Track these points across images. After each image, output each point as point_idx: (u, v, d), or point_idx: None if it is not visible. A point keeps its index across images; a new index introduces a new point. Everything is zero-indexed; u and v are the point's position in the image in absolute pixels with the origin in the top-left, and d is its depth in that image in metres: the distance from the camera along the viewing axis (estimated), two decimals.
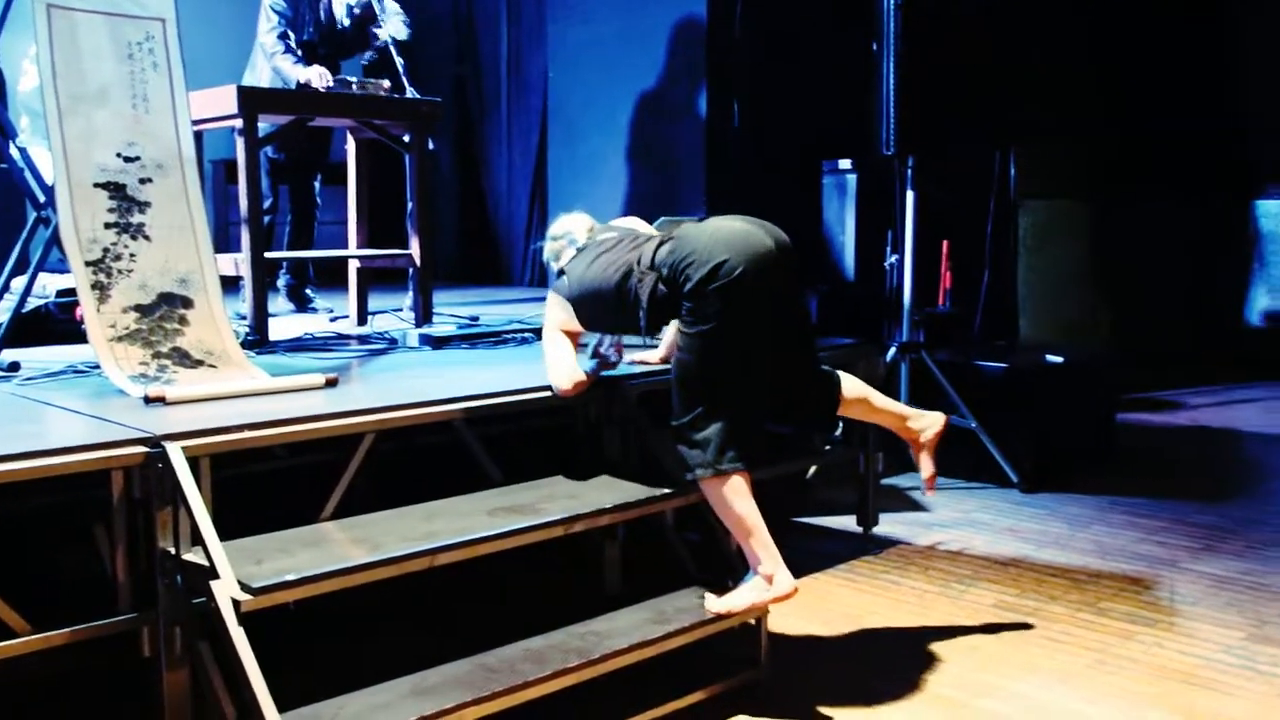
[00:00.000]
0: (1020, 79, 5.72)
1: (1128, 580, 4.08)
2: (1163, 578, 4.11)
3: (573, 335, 3.41)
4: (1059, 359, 5.64)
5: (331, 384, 3.34)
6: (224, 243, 5.87)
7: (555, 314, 3.42)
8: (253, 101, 4.26)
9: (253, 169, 4.18)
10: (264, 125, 4.43)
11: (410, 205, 4.86)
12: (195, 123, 3.60)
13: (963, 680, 3.29)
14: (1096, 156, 7.69)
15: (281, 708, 2.40)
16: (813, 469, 4.80)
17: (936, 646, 3.48)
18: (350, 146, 4.95)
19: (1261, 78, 8.79)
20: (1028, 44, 6.31)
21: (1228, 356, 8.81)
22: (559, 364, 3.34)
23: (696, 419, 3.05)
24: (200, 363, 3.32)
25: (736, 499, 3.03)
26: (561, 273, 3.47)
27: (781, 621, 3.61)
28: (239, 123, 4.18)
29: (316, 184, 5.87)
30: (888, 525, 4.70)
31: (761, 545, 3.07)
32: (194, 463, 2.62)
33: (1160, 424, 7.06)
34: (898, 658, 3.44)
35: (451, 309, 5.24)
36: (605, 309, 3.29)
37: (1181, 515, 4.87)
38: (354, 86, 4.64)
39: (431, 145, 4.98)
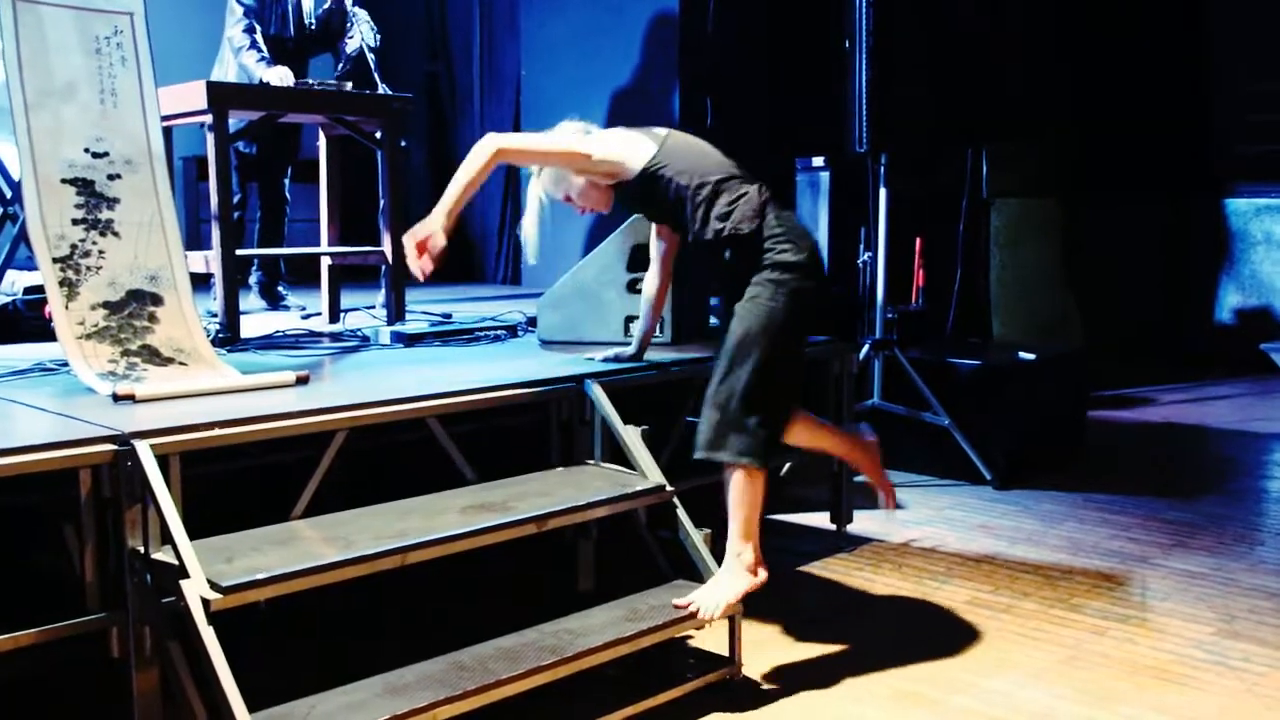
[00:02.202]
0: (992, 77, 5.73)
1: (1100, 576, 4.10)
2: (1135, 574, 4.13)
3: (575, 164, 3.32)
4: (1031, 356, 5.67)
5: (303, 381, 3.32)
6: (194, 240, 5.81)
7: (573, 139, 3.34)
8: (222, 97, 4.22)
9: (223, 165, 4.14)
10: (234, 121, 4.40)
11: (383, 202, 4.83)
12: (164, 118, 3.56)
13: (936, 677, 3.29)
14: (1067, 156, 7.74)
15: (252, 707, 2.38)
16: (787, 466, 4.80)
17: (910, 643, 3.48)
18: (321, 143, 4.93)
19: (1231, 78, 8.87)
20: (999, 42, 6.33)
21: (1199, 354, 8.88)
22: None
23: (753, 406, 3.10)
24: (170, 360, 3.29)
25: (758, 493, 3.17)
26: None
27: (755, 619, 3.61)
28: (208, 118, 4.14)
29: (287, 181, 5.83)
30: (861, 522, 4.71)
31: (755, 539, 3.19)
32: (163, 461, 2.60)
33: (1132, 421, 7.11)
34: (871, 654, 3.43)
35: (424, 306, 5.22)
36: (677, 188, 3.24)
37: (1153, 511, 4.89)
38: (316, 88, 4.62)
39: (404, 142, 4.95)
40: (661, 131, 3.37)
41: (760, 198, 3.20)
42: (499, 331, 4.45)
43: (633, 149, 3.31)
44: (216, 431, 2.78)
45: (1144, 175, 8.26)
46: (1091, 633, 3.59)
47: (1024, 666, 3.35)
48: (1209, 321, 9.47)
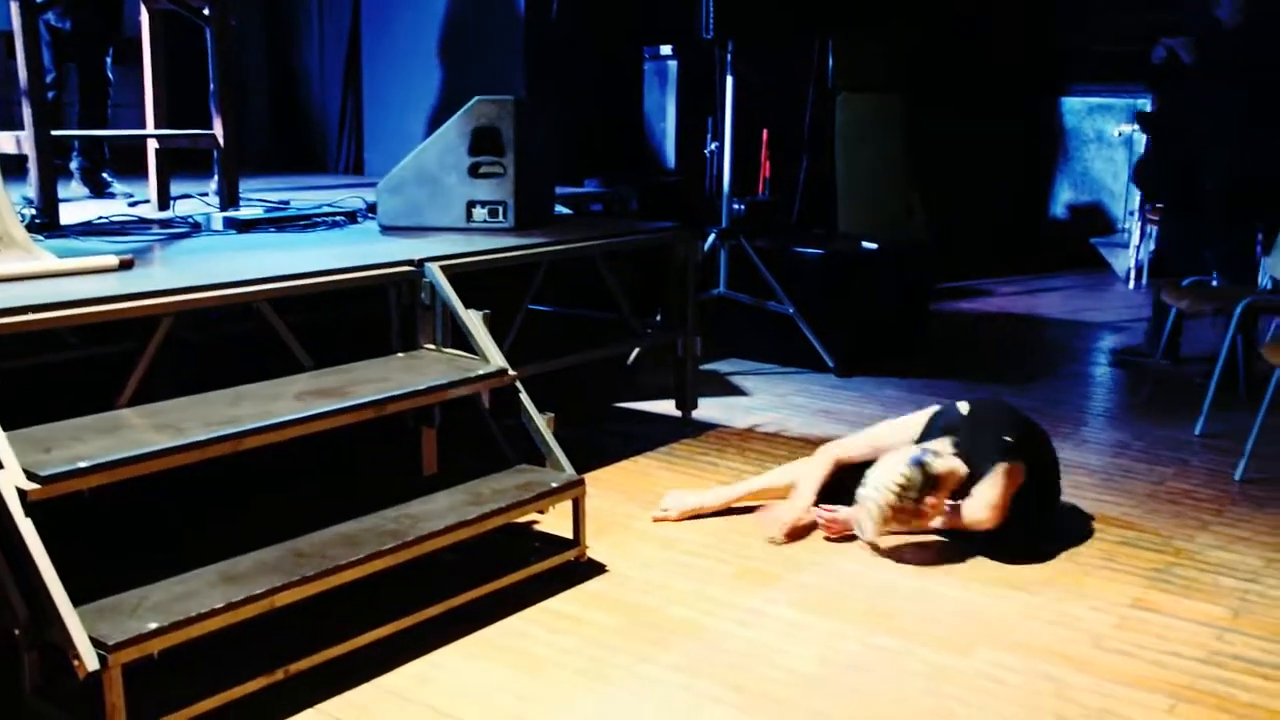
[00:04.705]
0: None
1: None
2: None
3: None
4: (874, 247, 5.75)
5: (126, 266, 3.16)
6: (7, 123, 5.48)
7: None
8: None
9: (31, 39, 3.87)
10: None
11: (213, 84, 4.59)
12: None
13: (777, 555, 3.36)
14: (911, 51, 7.78)
15: (79, 601, 2.29)
16: (634, 354, 4.80)
17: (753, 524, 3.54)
18: (144, 18, 4.64)
19: None
20: None
21: (1034, 247, 9.15)
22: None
23: None
24: None
25: None
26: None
27: (600, 502, 3.62)
28: None
29: (109, 60, 5.50)
30: (706, 409, 4.75)
31: None
32: None
33: (971, 311, 7.32)
34: (715, 536, 3.49)
35: (261, 195, 5.02)
36: None
37: (989, 396, 5.04)
38: None
39: (234, 20, 4.71)
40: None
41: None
42: (337, 217, 4.31)
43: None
44: (30, 316, 2.63)
45: (985, 73, 8.38)
46: None
47: (864, 545, 3.43)
48: (1044, 216, 9.76)
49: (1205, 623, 2.95)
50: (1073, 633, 2.88)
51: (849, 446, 3.61)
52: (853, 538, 3.40)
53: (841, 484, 3.48)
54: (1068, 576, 3.23)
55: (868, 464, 3.38)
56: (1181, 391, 5.13)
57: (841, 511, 3.41)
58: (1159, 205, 6.09)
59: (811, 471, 3.56)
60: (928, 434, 3.52)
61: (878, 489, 3.24)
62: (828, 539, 3.41)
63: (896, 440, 3.51)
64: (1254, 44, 5.25)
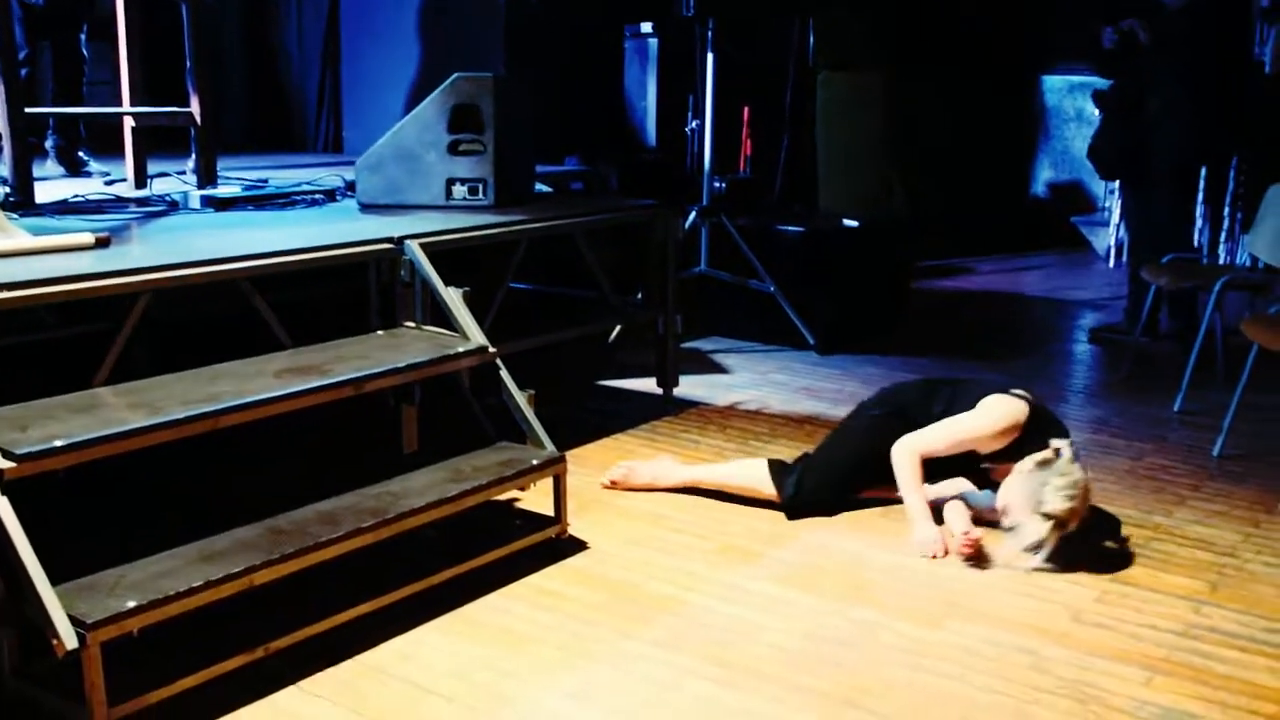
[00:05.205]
0: None
1: None
2: None
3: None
4: (855, 224, 5.75)
5: (103, 243, 3.13)
6: None
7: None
8: None
9: (3, 16, 3.83)
10: None
11: (189, 61, 4.55)
12: None
13: (757, 532, 3.37)
14: (890, 29, 7.77)
15: (56, 580, 2.28)
16: (615, 332, 4.79)
17: (733, 501, 3.54)
18: None
19: None
20: None
21: (1015, 226, 9.17)
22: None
23: None
24: None
25: None
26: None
27: (581, 480, 3.62)
28: None
29: (82, 37, 5.45)
30: (688, 387, 4.75)
31: None
32: None
33: (952, 289, 7.34)
34: (696, 513, 3.49)
35: (239, 173, 4.99)
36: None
37: (969, 374, 5.06)
38: None
39: None
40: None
41: None
42: (316, 196, 4.28)
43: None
44: (5, 295, 2.61)
45: (966, 51, 8.38)
46: None
47: (842, 520, 3.44)
48: (1025, 195, 9.78)
49: (1183, 596, 2.97)
50: (1051, 606, 2.89)
51: (931, 441, 3.38)
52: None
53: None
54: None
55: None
56: (1160, 369, 5.15)
57: (1007, 544, 3.17)
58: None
59: (914, 481, 3.34)
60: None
61: (1053, 503, 3.06)
62: (969, 559, 3.18)
63: (978, 433, 3.34)
64: (1196, 24, 5.31)
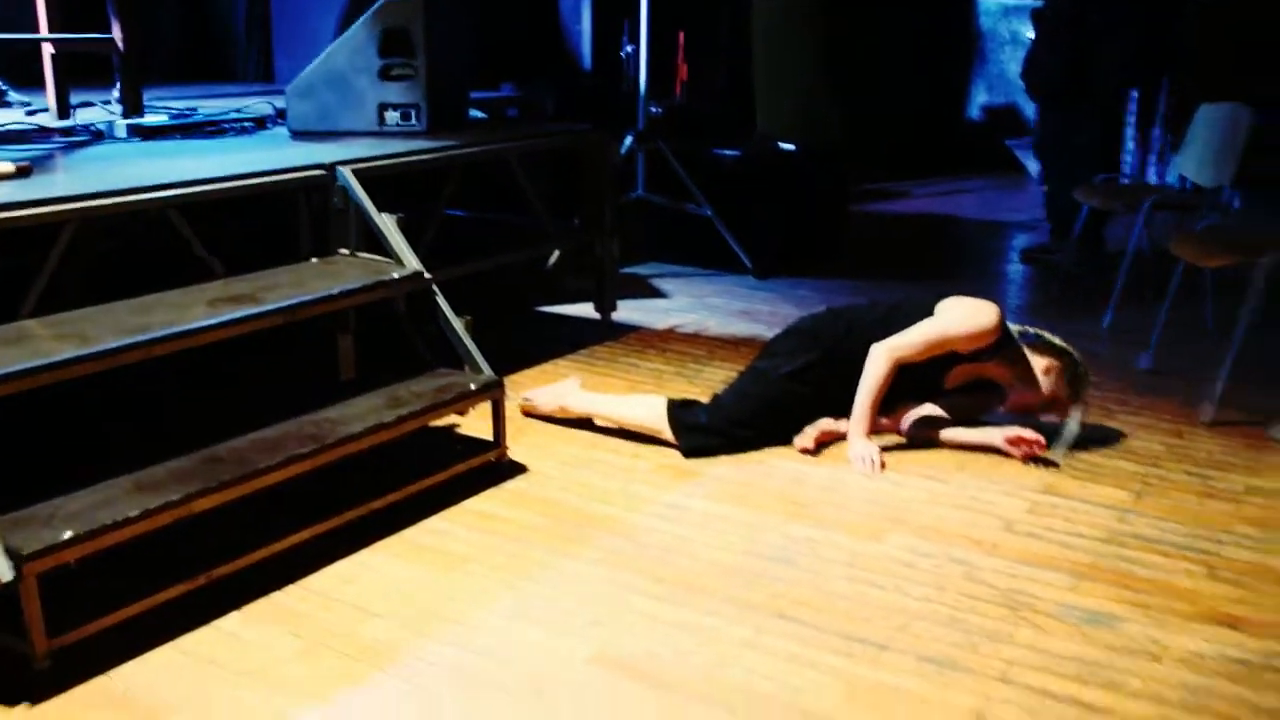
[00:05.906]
0: None
1: None
2: None
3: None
4: (792, 148, 5.75)
5: (24, 173, 3.07)
6: None
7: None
8: None
9: None
10: None
11: None
12: None
13: None
14: None
15: None
16: (553, 257, 4.78)
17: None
18: None
19: None
20: None
21: (951, 149, 9.22)
22: None
23: None
24: None
25: None
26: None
27: (523, 403, 3.63)
28: None
29: None
30: (626, 312, 4.77)
31: None
32: None
33: (889, 212, 7.38)
34: (636, 435, 3.51)
35: (167, 103, 4.88)
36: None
37: (906, 295, 5.10)
38: None
39: None
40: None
41: None
42: (246, 123, 4.21)
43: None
44: None
45: None
46: None
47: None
48: (961, 118, 9.82)
49: (1109, 506, 3.05)
50: (985, 518, 2.96)
51: (909, 343, 3.37)
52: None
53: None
54: (978, 463, 3.31)
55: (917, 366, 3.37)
56: (1091, 287, 5.23)
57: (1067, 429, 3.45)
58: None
59: (877, 390, 3.33)
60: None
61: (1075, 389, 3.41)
62: (1026, 459, 3.33)
63: (957, 329, 3.38)
64: None
